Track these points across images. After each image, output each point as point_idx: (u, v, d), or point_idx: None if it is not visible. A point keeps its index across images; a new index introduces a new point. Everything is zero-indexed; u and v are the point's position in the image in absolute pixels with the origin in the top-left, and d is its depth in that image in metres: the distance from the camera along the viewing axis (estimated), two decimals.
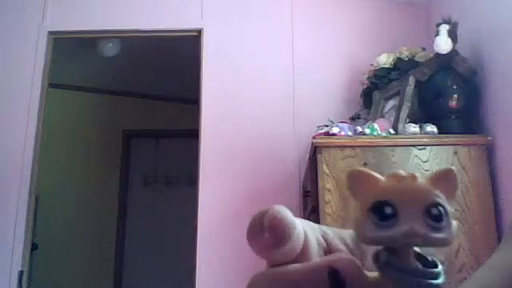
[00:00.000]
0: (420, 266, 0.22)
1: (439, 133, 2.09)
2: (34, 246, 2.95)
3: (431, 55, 2.26)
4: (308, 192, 2.31)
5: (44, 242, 3.78)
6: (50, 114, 2.97)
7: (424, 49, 2.40)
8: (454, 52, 2.15)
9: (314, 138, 2.13)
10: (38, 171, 2.73)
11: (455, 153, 2.05)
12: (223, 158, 2.67)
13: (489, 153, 2.06)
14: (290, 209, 0.25)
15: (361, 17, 2.88)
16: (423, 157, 2.05)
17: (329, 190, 1.99)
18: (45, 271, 3.81)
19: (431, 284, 0.21)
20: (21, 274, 2.53)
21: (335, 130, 2.11)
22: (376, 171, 0.24)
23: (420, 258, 0.22)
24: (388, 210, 0.21)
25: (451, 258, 1.95)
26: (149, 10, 2.92)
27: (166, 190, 4.71)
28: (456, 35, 2.15)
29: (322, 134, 2.17)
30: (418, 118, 2.17)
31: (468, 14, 2.30)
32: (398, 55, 2.39)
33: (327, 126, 2.22)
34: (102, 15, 2.93)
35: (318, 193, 2.00)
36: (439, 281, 0.22)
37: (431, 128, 2.10)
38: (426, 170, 2.03)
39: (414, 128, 2.09)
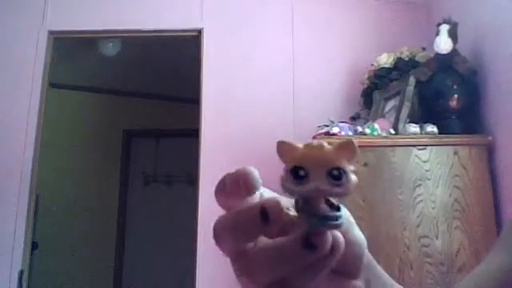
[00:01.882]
0: (326, 209, 0.29)
1: (439, 133, 2.09)
2: (34, 246, 2.95)
3: (431, 55, 2.26)
4: None
5: (44, 242, 3.78)
6: (49, 114, 2.97)
7: (424, 49, 2.40)
8: (454, 52, 2.15)
9: (314, 137, 2.13)
10: (38, 171, 2.73)
11: (455, 153, 2.05)
12: (223, 157, 2.67)
13: (489, 153, 2.06)
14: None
15: (361, 17, 2.88)
16: (423, 157, 2.05)
17: None
18: (45, 271, 3.81)
19: (331, 224, 0.29)
20: (21, 273, 2.53)
21: (335, 129, 2.11)
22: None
23: (328, 202, 0.29)
24: (301, 173, 0.29)
25: (451, 258, 1.95)
26: (149, 10, 2.92)
27: (166, 190, 4.71)
28: (456, 35, 2.15)
29: (322, 133, 2.17)
30: (419, 118, 2.17)
31: (468, 13, 2.30)
32: (398, 55, 2.39)
33: (327, 125, 2.22)
34: (102, 15, 2.93)
35: None
36: (339, 221, 0.29)
37: (431, 128, 2.10)
38: (427, 170, 2.03)
39: (414, 128, 2.09)
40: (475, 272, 0.51)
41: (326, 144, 0.30)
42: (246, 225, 0.29)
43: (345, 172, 0.29)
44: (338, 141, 0.29)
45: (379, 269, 0.39)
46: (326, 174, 0.28)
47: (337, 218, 0.29)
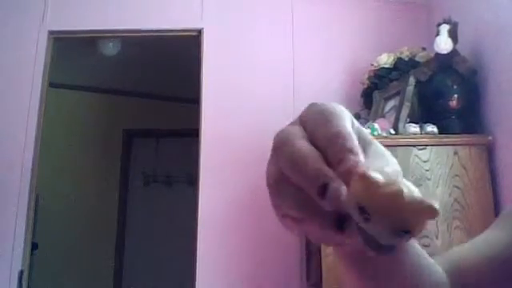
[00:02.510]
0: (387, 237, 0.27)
1: (439, 133, 2.09)
2: (34, 246, 2.95)
3: (431, 55, 2.26)
4: None
5: (44, 242, 3.78)
6: (49, 114, 2.97)
7: (424, 49, 2.40)
8: (454, 52, 2.15)
9: None
10: (38, 171, 2.73)
11: (455, 153, 2.05)
12: (223, 157, 2.67)
13: (489, 153, 2.06)
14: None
15: (361, 17, 2.87)
16: (423, 157, 2.05)
17: None
18: (45, 271, 3.81)
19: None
20: (21, 273, 2.53)
21: None
22: None
23: None
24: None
25: None
26: (149, 10, 2.92)
27: (165, 190, 4.71)
28: (456, 35, 2.15)
29: None
30: (419, 118, 2.17)
31: (468, 13, 2.30)
32: (398, 55, 2.39)
33: None
34: (102, 15, 2.93)
35: None
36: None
37: (431, 128, 2.10)
38: (427, 170, 2.03)
39: (414, 128, 2.09)
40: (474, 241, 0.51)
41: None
42: (304, 175, 0.28)
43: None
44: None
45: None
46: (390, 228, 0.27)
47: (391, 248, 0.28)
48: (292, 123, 0.33)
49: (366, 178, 0.26)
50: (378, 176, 0.26)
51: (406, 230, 0.26)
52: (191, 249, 2.60)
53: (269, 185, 0.32)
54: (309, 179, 0.28)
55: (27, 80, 2.78)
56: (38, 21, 2.88)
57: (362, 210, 0.26)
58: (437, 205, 0.26)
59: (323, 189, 0.27)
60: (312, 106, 0.32)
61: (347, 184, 0.27)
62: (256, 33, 2.89)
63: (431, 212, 0.26)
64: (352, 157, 0.28)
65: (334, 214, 0.28)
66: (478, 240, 0.51)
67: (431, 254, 0.46)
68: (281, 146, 0.31)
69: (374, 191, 0.26)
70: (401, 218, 0.26)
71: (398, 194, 0.26)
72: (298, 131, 0.31)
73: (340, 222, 0.28)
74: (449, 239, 1.96)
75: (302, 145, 0.30)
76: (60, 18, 2.92)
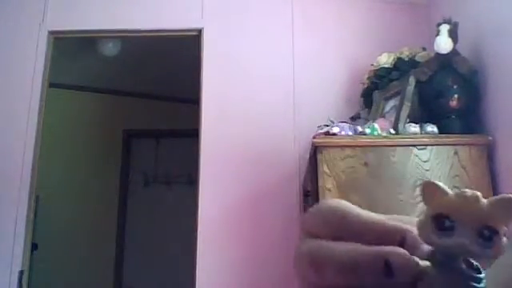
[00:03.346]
0: (468, 270, 0.25)
1: (439, 132, 2.09)
2: (34, 246, 2.95)
3: (432, 55, 2.26)
4: (308, 192, 2.30)
5: (44, 242, 3.78)
6: (50, 114, 2.97)
7: (424, 49, 2.40)
8: (454, 52, 2.15)
9: (314, 137, 2.13)
10: (38, 171, 2.73)
11: (455, 153, 2.05)
12: (223, 157, 2.67)
13: (489, 153, 2.06)
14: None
15: (361, 17, 2.88)
16: (423, 157, 2.05)
17: (329, 190, 1.99)
18: (45, 271, 3.81)
19: (476, 286, 0.25)
20: (21, 273, 2.53)
21: (335, 129, 2.11)
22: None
23: (466, 260, 0.26)
24: (447, 223, 0.25)
25: None
26: (149, 10, 2.92)
27: (165, 190, 4.71)
28: (456, 35, 2.15)
29: (322, 133, 2.17)
30: (419, 118, 2.17)
31: (468, 13, 2.30)
32: (398, 55, 2.39)
33: (327, 125, 2.21)
34: (102, 15, 2.93)
35: (318, 192, 2.00)
36: (482, 285, 0.25)
37: (431, 128, 2.10)
38: (427, 170, 2.03)
39: (414, 128, 2.09)
40: None
41: (481, 196, 0.26)
42: (362, 269, 0.25)
43: (497, 233, 0.25)
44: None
45: None
46: (475, 232, 0.25)
47: (479, 280, 0.26)
48: (302, 241, 0.29)
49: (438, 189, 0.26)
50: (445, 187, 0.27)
51: (492, 228, 0.25)
52: (191, 249, 2.60)
53: None
54: (370, 259, 0.25)
55: (27, 80, 2.78)
56: (38, 21, 2.88)
57: (441, 222, 0.26)
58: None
59: (387, 265, 0.25)
60: (312, 214, 0.29)
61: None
62: (256, 33, 2.89)
63: (509, 203, 0.26)
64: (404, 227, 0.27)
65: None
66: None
67: None
68: (320, 261, 0.27)
69: (450, 200, 0.26)
70: (485, 214, 0.25)
71: (477, 196, 0.26)
72: (317, 241, 0.28)
73: None
74: None
75: (339, 245, 0.27)
76: (60, 18, 2.92)
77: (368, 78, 2.51)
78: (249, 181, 2.62)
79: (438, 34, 2.16)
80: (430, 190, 0.27)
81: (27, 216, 2.61)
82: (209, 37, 2.86)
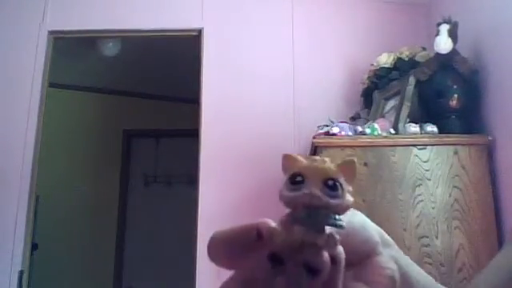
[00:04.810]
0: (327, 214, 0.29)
1: (439, 132, 2.09)
2: (34, 246, 2.95)
3: (431, 55, 2.26)
4: None
5: (44, 242, 3.78)
6: (49, 114, 2.97)
7: (424, 48, 2.40)
8: (454, 52, 2.15)
9: (314, 137, 2.13)
10: (38, 171, 2.73)
11: (455, 152, 2.05)
12: (223, 157, 2.67)
13: (489, 153, 2.06)
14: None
15: (361, 17, 2.88)
16: (423, 157, 2.05)
17: None
18: (45, 271, 3.81)
19: (336, 218, 0.29)
20: (21, 273, 2.53)
21: (335, 129, 2.11)
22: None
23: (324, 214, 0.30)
24: (298, 178, 0.29)
25: (451, 258, 1.95)
26: (149, 10, 2.92)
27: (165, 190, 4.71)
28: (456, 35, 2.15)
29: (322, 133, 2.17)
30: (419, 118, 2.17)
31: (468, 13, 2.30)
32: (398, 55, 2.39)
33: (327, 125, 2.21)
34: (102, 15, 2.93)
35: None
36: (341, 222, 0.29)
37: (431, 128, 2.10)
38: (427, 170, 2.03)
39: (414, 128, 2.09)
40: (493, 264, 0.52)
41: (328, 160, 0.30)
42: (241, 241, 0.31)
43: (341, 186, 0.29)
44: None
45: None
46: (321, 183, 0.29)
47: (338, 218, 0.29)
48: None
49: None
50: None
51: (335, 180, 0.29)
52: (191, 249, 2.60)
53: None
54: (245, 231, 0.31)
55: (27, 80, 2.78)
56: (38, 21, 2.88)
57: (292, 177, 0.30)
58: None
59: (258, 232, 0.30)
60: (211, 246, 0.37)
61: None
62: (256, 33, 2.89)
63: (352, 164, 0.30)
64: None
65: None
66: (486, 270, 0.52)
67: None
68: None
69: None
70: (329, 169, 0.30)
71: (324, 159, 0.30)
72: None
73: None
74: (449, 239, 1.96)
75: None
76: (60, 18, 2.92)
77: (368, 78, 2.51)
78: (249, 181, 2.62)
79: (437, 34, 2.16)
80: (288, 161, 0.31)
81: (27, 216, 2.61)
82: (209, 37, 2.86)
